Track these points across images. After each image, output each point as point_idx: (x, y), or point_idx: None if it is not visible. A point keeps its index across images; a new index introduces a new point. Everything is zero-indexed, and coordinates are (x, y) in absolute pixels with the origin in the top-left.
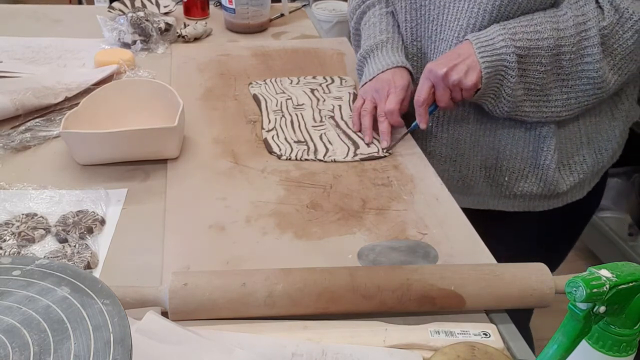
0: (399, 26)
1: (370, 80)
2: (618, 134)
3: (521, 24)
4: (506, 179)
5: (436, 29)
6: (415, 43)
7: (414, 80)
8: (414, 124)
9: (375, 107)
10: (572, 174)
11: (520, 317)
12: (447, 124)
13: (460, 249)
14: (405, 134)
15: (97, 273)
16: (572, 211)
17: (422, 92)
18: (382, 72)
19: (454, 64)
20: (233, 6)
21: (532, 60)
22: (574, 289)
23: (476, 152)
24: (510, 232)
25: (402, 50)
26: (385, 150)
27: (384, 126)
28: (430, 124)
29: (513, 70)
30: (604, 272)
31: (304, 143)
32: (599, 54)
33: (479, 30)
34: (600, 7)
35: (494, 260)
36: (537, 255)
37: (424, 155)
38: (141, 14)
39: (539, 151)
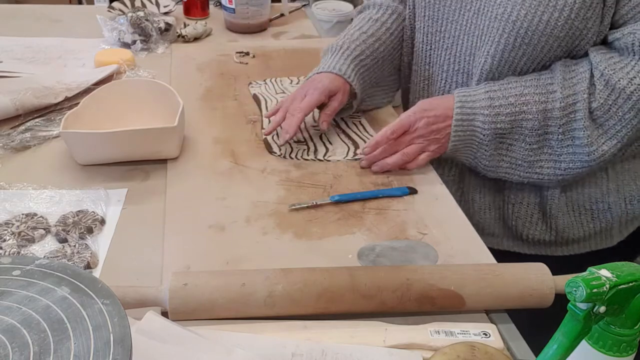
0: (413, 45)
1: (307, 78)
2: None
3: (509, 100)
4: (513, 222)
5: (449, 59)
6: (427, 67)
7: (356, 94)
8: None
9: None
10: (594, 221)
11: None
12: (451, 162)
13: (460, 249)
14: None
15: (97, 273)
16: (602, 259)
17: (385, 132)
18: (318, 73)
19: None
20: (233, 6)
21: (515, 137)
22: (574, 289)
23: (484, 193)
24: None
25: (351, 59)
26: (279, 148)
27: (287, 122)
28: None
29: (487, 146)
30: (604, 272)
31: (304, 143)
32: (586, 137)
33: (494, 71)
34: (594, 84)
35: (494, 260)
36: None
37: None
38: (141, 13)
39: (545, 199)
